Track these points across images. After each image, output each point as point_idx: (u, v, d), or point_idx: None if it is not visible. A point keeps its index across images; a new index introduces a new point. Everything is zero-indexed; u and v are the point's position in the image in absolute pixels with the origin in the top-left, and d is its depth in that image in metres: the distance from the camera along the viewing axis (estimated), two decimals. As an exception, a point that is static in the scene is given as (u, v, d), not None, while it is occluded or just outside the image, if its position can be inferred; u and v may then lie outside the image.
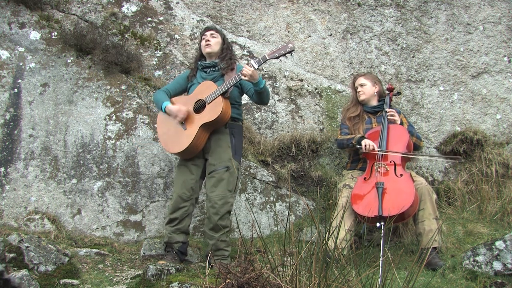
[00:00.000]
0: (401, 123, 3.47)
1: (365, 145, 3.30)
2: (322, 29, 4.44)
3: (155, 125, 3.70)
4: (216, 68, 3.31)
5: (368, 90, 3.63)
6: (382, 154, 3.27)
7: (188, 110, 3.19)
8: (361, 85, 3.65)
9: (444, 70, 4.51)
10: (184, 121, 3.19)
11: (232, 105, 3.20)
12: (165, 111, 3.25)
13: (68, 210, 3.52)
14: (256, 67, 3.08)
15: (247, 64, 3.09)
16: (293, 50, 3.13)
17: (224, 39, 3.40)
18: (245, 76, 3.04)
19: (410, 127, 3.55)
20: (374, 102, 3.65)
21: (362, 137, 3.39)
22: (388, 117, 3.44)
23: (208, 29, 3.38)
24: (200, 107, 3.17)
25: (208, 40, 3.31)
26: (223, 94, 3.11)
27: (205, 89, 3.19)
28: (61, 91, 3.74)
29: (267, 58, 3.14)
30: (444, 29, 4.59)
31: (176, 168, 3.36)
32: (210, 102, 3.12)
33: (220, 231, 3.05)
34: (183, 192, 3.14)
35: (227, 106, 3.11)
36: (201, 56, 3.42)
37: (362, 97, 3.64)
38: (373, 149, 3.28)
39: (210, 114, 3.09)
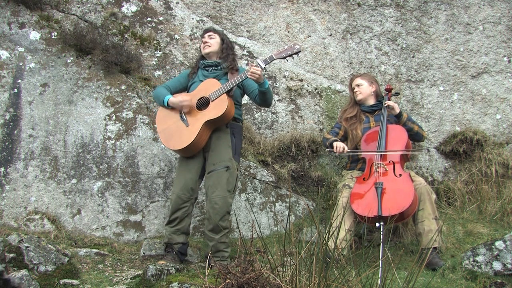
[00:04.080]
0: (401, 113, 3.47)
1: (336, 147, 3.39)
2: (322, 29, 4.44)
3: (155, 125, 3.69)
4: (219, 67, 3.28)
5: (364, 90, 3.63)
6: (381, 155, 3.28)
7: (191, 100, 3.13)
8: (358, 85, 3.66)
9: (444, 70, 4.51)
10: (186, 117, 3.14)
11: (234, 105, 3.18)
12: (167, 105, 3.19)
13: (68, 210, 3.52)
14: (263, 66, 3.05)
15: (253, 63, 3.03)
16: (300, 51, 3.13)
17: (223, 39, 3.37)
18: (253, 75, 2.99)
19: (410, 117, 3.55)
20: (371, 102, 3.66)
21: (336, 140, 3.48)
22: (388, 110, 3.45)
23: (206, 31, 3.39)
24: (202, 104, 3.14)
25: (206, 42, 3.31)
26: (227, 92, 3.08)
27: (209, 86, 3.15)
28: (61, 91, 3.74)
29: (274, 58, 3.10)
30: (444, 29, 4.59)
31: (177, 165, 3.30)
32: (214, 100, 3.08)
33: (220, 233, 3.02)
34: (183, 193, 3.09)
35: (231, 105, 3.08)
36: (202, 58, 3.40)
37: (359, 97, 3.65)
38: (343, 151, 3.37)
39: (214, 111, 3.05)
